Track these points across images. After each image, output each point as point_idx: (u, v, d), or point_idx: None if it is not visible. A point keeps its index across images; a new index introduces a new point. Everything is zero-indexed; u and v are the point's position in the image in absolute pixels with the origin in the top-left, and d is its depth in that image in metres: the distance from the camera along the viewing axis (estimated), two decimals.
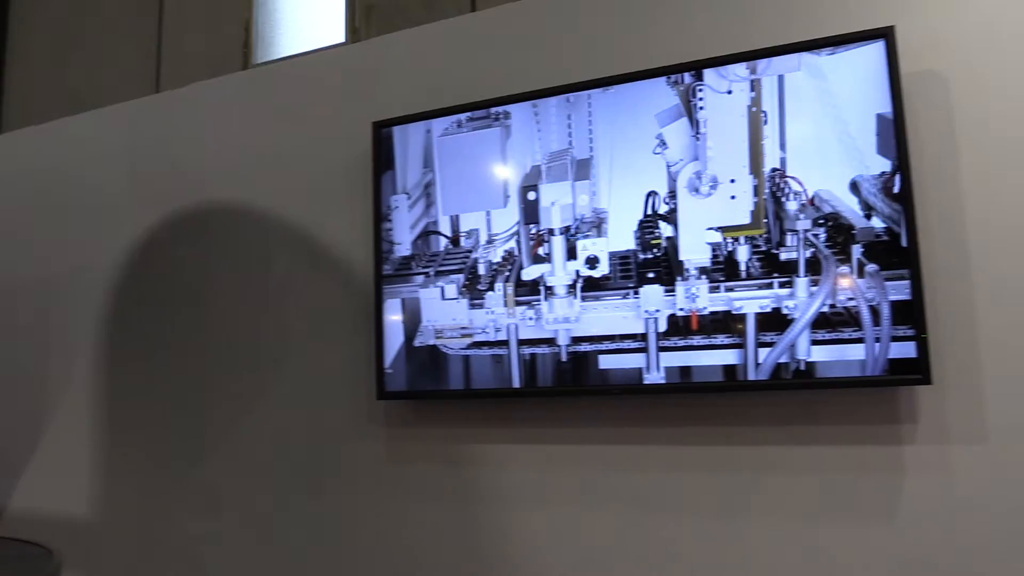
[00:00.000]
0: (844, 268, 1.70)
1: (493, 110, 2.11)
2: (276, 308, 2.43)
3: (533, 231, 2.02)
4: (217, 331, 2.53)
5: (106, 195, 2.80)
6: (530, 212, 2.02)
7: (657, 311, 1.87)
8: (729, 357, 1.79)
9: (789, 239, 1.76)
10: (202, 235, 2.60)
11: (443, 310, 2.10)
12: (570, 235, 1.97)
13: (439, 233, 2.13)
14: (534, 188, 2.03)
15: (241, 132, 2.59)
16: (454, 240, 2.11)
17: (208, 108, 2.69)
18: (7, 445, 2.89)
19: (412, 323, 2.12)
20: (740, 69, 1.84)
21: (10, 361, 2.94)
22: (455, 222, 2.11)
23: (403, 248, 2.16)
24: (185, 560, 2.49)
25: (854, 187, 1.71)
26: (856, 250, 1.70)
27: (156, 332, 2.64)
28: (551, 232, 1.99)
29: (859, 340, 1.68)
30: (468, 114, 2.13)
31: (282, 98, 2.55)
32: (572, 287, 1.96)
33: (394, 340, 2.14)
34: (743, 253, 1.80)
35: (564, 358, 1.96)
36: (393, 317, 2.15)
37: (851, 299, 1.69)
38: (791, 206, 1.76)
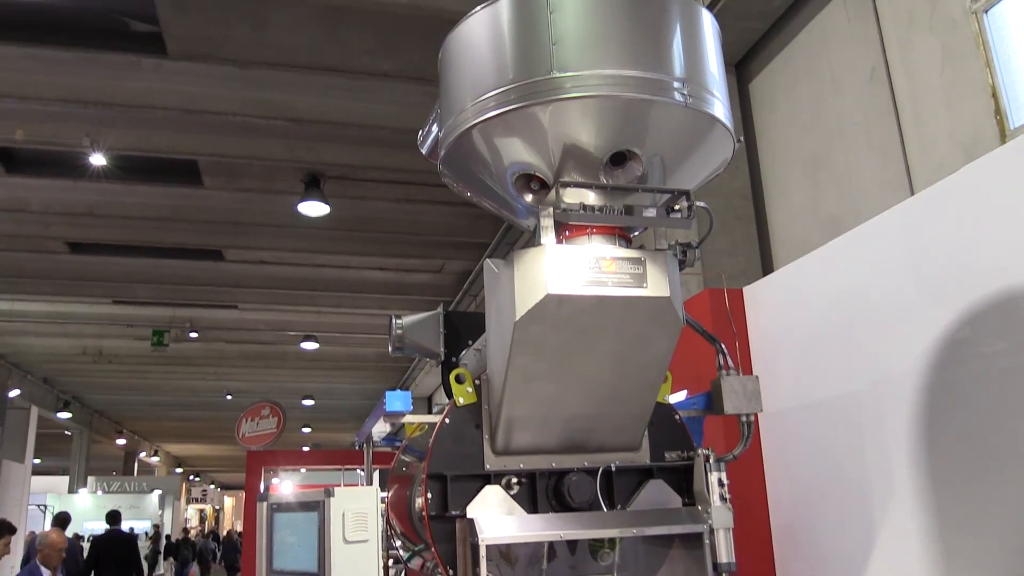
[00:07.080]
0: None
1: None
2: None
3: None
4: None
5: (890, 303, 2.80)
6: None
7: None
8: None
9: None
10: (1015, 327, 2.37)
11: None
12: None
13: None
14: None
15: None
16: None
17: (975, 194, 2.52)
18: (843, 548, 2.99)
19: None
20: None
21: (833, 470, 3.09)
22: None
23: None
24: None
25: None
26: None
27: (981, 445, 2.45)
28: None
29: None
30: None
31: None
32: None
33: None
34: None
35: None
36: None
37: None
38: None
